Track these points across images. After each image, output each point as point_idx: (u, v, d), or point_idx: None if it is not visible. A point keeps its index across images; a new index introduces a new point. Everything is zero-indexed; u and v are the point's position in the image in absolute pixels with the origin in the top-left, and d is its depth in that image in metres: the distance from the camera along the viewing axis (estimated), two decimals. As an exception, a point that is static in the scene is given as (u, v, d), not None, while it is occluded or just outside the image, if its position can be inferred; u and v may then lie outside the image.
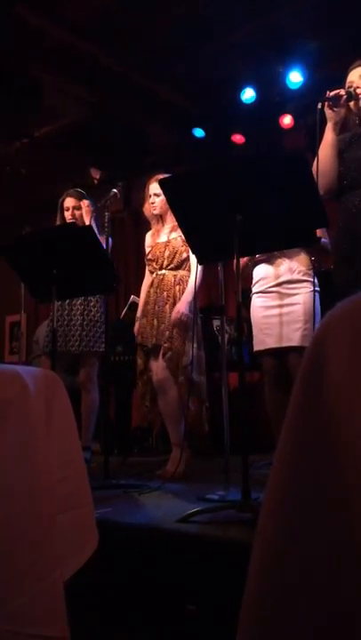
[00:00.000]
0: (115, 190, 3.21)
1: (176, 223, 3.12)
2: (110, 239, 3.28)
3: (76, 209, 3.52)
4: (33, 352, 5.09)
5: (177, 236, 3.16)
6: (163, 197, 3.14)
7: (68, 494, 1.25)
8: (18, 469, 1.05)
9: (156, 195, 3.22)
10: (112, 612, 1.72)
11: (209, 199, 2.10)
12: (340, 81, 2.42)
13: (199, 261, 2.70)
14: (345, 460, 0.60)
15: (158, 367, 3.06)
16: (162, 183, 2.29)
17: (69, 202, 3.54)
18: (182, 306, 3.01)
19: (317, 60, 4.65)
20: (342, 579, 0.60)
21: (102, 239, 3.14)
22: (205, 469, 3.26)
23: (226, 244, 2.04)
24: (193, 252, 2.38)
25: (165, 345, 3.01)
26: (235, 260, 2.05)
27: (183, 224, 2.25)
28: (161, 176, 3.24)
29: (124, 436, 4.73)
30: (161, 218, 3.30)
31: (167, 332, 3.03)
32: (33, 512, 1.05)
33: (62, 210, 3.56)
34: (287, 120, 5.13)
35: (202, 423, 3.14)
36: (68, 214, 3.52)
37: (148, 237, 3.36)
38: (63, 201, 3.57)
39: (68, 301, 3.44)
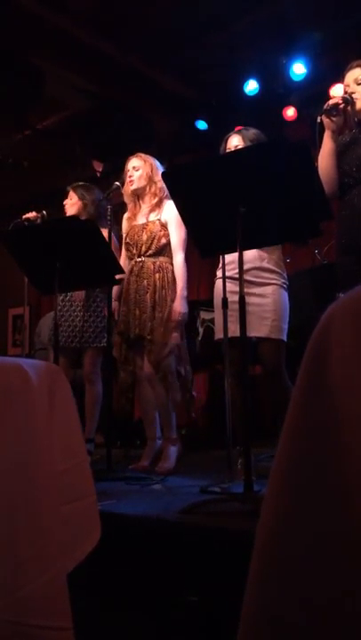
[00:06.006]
0: (117, 183, 3.19)
1: (155, 203, 3.05)
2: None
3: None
4: (35, 345, 5.09)
5: (155, 220, 3.03)
6: (141, 172, 3.05)
7: (71, 485, 1.26)
8: (20, 461, 1.06)
9: (134, 168, 3.10)
10: (114, 602, 1.73)
11: (212, 190, 2.08)
12: (343, 72, 2.42)
13: (201, 254, 2.66)
14: (348, 448, 0.60)
15: (145, 362, 3.01)
16: (164, 175, 2.28)
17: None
18: (180, 305, 2.92)
19: (321, 51, 4.62)
20: (343, 565, 0.60)
21: (105, 231, 3.13)
22: (208, 462, 3.27)
23: (228, 237, 2.02)
24: (195, 245, 2.36)
25: (148, 337, 2.92)
26: (238, 253, 2.04)
27: (185, 216, 2.24)
28: (142, 154, 3.15)
29: (126, 428, 4.73)
30: (138, 197, 3.15)
31: (149, 324, 2.93)
32: (35, 503, 1.05)
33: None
34: (290, 112, 5.11)
35: (189, 412, 3.11)
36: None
37: (125, 222, 3.22)
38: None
39: (68, 297, 3.43)
